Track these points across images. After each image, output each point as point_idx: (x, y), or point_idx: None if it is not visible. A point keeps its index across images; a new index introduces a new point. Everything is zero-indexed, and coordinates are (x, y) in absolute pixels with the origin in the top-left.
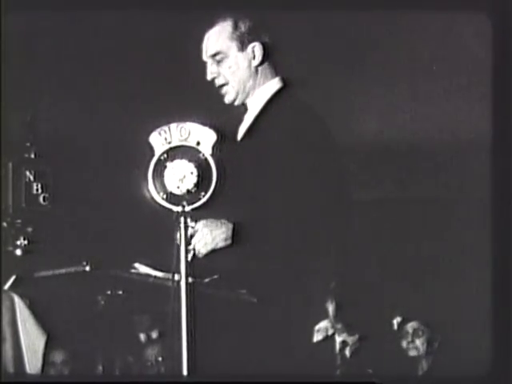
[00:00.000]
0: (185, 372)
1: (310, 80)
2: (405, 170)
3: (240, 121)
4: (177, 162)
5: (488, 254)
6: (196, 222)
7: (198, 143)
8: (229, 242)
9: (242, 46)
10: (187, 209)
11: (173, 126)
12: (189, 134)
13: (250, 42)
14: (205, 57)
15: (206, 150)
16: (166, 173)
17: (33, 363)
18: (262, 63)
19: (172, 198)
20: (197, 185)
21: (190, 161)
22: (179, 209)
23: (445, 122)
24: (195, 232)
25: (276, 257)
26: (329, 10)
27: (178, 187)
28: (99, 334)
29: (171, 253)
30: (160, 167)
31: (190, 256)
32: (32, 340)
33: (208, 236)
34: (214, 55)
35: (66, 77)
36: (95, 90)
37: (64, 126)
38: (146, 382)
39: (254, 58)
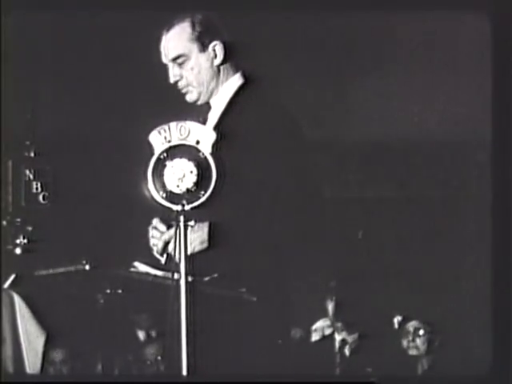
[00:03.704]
0: (184, 371)
1: (273, 75)
2: (402, 168)
3: (204, 120)
4: (176, 160)
5: (488, 253)
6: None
7: (198, 142)
8: (205, 245)
9: (203, 47)
10: (187, 208)
11: (172, 124)
12: (188, 132)
13: (210, 41)
14: (165, 60)
15: (206, 149)
16: (166, 172)
17: (32, 362)
18: (223, 62)
19: (172, 196)
20: (196, 184)
21: (189, 160)
22: (179, 208)
23: (443, 120)
24: (170, 238)
25: (276, 255)
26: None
27: (178, 186)
28: (99, 332)
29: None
30: (160, 166)
31: (164, 260)
32: (31, 339)
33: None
34: (175, 58)
35: (66, 76)
36: (95, 88)
37: (64, 124)
38: (146, 382)
39: (215, 57)
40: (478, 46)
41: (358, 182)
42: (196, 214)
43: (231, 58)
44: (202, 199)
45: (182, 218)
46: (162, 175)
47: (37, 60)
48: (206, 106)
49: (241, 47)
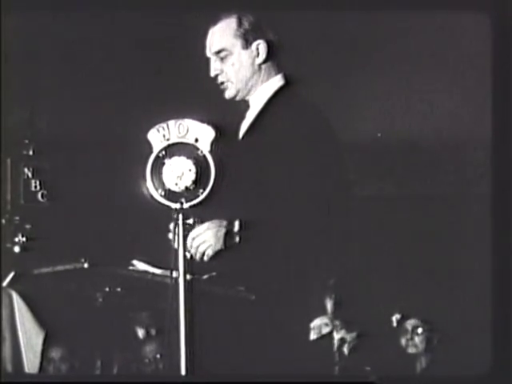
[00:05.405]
0: (183, 369)
1: (313, 77)
2: (405, 167)
3: (241, 118)
4: (175, 158)
5: (488, 252)
6: (196, 222)
7: (197, 140)
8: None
9: (247, 44)
10: (185, 206)
11: (171, 122)
12: (187, 130)
13: (254, 39)
14: (208, 53)
15: (205, 147)
16: (165, 170)
17: (31, 360)
18: (265, 61)
19: (170, 195)
20: (195, 182)
21: (188, 158)
22: (177, 206)
23: (445, 120)
24: (198, 235)
25: (275, 254)
26: (332, 9)
27: (177, 184)
28: (97, 330)
29: (169, 250)
30: (158, 164)
31: (197, 258)
32: (30, 337)
33: (213, 238)
34: (218, 52)
35: (65, 74)
36: (94, 87)
37: (62, 123)
38: (145, 381)
39: (257, 55)
40: (479, 45)
41: (357, 181)
42: (195, 212)
43: (274, 59)
44: (201, 197)
45: (180, 217)
46: (161, 173)
47: (36, 58)
48: (244, 105)
49: (284, 48)
